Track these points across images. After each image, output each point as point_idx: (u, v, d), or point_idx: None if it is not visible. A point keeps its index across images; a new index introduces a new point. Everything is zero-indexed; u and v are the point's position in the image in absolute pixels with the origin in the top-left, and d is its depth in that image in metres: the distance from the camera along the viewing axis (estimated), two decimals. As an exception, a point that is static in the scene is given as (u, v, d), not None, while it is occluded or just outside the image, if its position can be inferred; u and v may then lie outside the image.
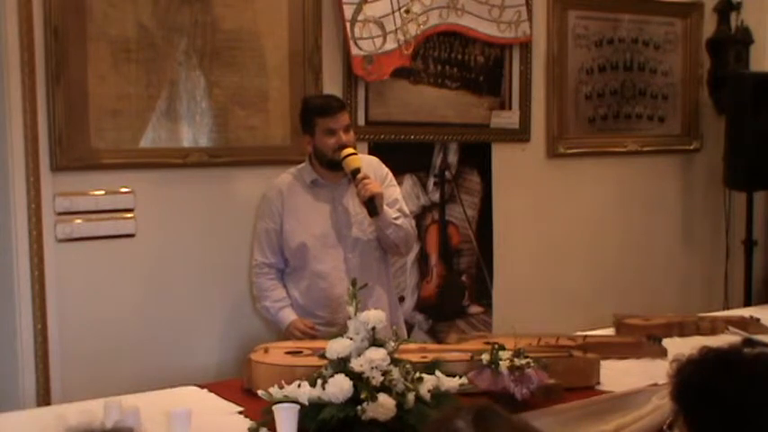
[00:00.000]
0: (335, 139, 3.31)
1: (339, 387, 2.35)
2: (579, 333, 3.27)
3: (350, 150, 3.31)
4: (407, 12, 4.00)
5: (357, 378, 2.37)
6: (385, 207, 3.33)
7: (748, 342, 3.21)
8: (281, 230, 3.42)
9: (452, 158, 4.28)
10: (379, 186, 3.31)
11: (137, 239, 3.53)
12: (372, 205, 3.26)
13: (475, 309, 4.39)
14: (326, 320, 3.36)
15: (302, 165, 3.48)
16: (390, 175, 3.51)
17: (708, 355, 1.60)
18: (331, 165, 3.35)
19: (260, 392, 2.47)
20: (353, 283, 2.52)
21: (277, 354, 2.84)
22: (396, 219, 3.37)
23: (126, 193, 3.51)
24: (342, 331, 2.55)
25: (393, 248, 3.47)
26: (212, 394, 2.81)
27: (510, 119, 4.42)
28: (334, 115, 3.33)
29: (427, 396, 2.45)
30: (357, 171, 3.28)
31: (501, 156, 4.42)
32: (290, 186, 3.45)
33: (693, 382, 1.58)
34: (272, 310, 3.42)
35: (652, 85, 4.92)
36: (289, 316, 3.38)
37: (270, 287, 3.44)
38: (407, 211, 3.50)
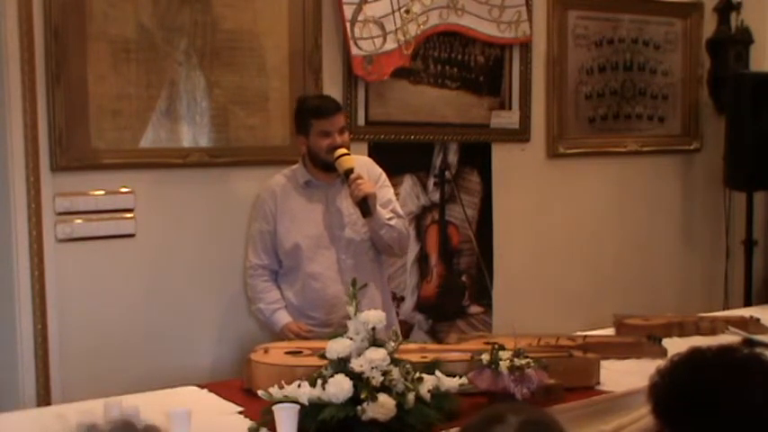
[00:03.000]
0: (330, 140, 3.31)
1: (339, 387, 2.35)
2: (579, 333, 3.27)
3: (343, 151, 3.30)
4: (407, 12, 4.00)
5: (357, 378, 2.37)
6: (378, 207, 3.31)
7: (748, 342, 3.22)
8: (275, 232, 3.41)
9: (452, 158, 4.28)
10: (372, 187, 3.30)
11: (137, 239, 3.53)
12: (365, 206, 3.26)
13: (475, 309, 4.39)
14: (320, 321, 3.35)
15: (296, 166, 3.47)
16: (384, 175, 3.50)
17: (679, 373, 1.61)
18: (325, 165, 3.35)
19: (260, 392, 2.47)
20: (353, 283, 2.53)
21: (277, 354, 2.84)
22: (389, 219, 3.36)
23: (126, 193, 3.51)
24: (339, 331, 2.56)
25: (386, 249, 3.46)
26: (212, 394, 2.81)
27: (510, 119, 4.42)
28: (329, 117, 3.33)
29: (427, 396, 2.45)
30: (350, 171, 3.27)
31: (501, 156, 4.42)
32: (283, 188, 3.44)
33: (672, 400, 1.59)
34: (267, 312, 3.41)
35: (652, 85, 4.92)
36: (282, 318, 3.38)
37: (264, 289, 3.43)
38: (401, 212, 3.49)
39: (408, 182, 4.15)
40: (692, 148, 5.09)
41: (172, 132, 3.57)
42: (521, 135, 4.47)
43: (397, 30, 3.97)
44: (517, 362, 2.53)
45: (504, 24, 4.28)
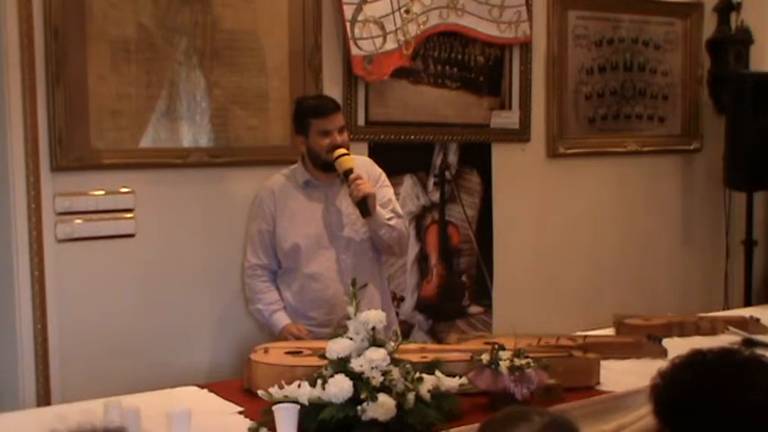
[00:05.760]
0: (330, 139, 3.30)
1: (339, 387, 2.35)
2: (579, 333, 3.27)
3: (342, 151, 3.29)
4: (407, 12, 4.00)
5: (357, 378, 2.37)
6: (378, 207, 3.31)
7: (748, 342, 3.22)
8: (274, 232, 3.40)
9: (452, 158, 4.28)
10: (371, 187, 3.29)
11: (136, 239, 3.53)
12: (365, 206, 3.25)
13: (475, 309, 4.39)
14: (319, 322, 3.34)
15: (295, 165, 3.46)
16: (384, 175, 3.50)
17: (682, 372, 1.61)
18: (324, 165, 3.34)
19: (260, 392, 2.47)
20: (353, 282, 2.53)
21: (277, 354, 2.84)
22: (389, 219, 3.35)
23: (126, 193, 3.51)
24: (339, 331, 2.56)
25: (386, 249, 3.46)
26: (212, 394, 2.81)
27: (510, 119, 4.42)
28: (328, 116, 3.32)
29: (427, 396, 2.45)
30: (350, 171, 3.27)
31: (501, 156, 4.42)
32: (282, 187, 3.43)
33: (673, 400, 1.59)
34: (266, 313, 3.40)
35: (652, 85, 4.92)
36: (282, 320, 3.36)
37: (263, 290, 3.42)
38: (401, 212, 3.49)
39: (408, 182, 4.15)
40: (691, 148, 5.09)
41: (172, 132, 3.57)
42: (521, 135, 4.47)
43: (397, 30, 3.97)
44: (517, 362, 2.53)
45: (504, 24, 4.28)
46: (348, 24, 3.86)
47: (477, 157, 4.36)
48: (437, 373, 2.56)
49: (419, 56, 4.12)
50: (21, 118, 3.26)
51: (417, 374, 2.47)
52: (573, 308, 4.56)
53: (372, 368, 2.37)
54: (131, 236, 3.52)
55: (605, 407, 2.66)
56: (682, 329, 3.44)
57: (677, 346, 2.94)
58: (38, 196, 3.31)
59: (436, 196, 4.25)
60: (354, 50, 3.88)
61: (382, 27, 3.94)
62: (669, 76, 4.97)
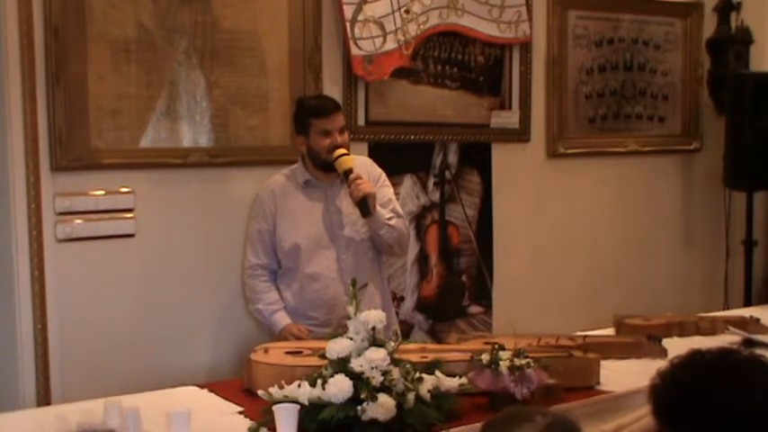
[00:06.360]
0: (330, 140, 3.31)
1: (339, 387, 2.35)
2: (579, 333, 3.27)
3: (342, 151, 3.30)
4: (407, 12, 4.00)
5: (357, 378, 2.37)
6: (378, 207, 3.31)
7: (748, 342, 3.22)
8: (275, 232, 3.41)
9: (452, 158, 4.28)
10: (371, 187, 3.30)
11: (136, 239, 3.53)
12: (365, 205, 3.26)
13: (475, 309, 4.39)
14: (320, 322, 3.35)
15: (295, 165, 3.47)
16: (384, 175, 3.50)
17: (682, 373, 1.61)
18: (324, 165, 3.35)
19: (260, 392, 2.47)
20: (353, 282, 2.53)
21: (277, 354, 2.84)
22: (389, 219, 3.36)
23: (126, 193, 3.51)
24: (339, 331, 2.56)
25: (387, 249, 3.46)
26: (212, 394, 2.81)
27: (510, 119, 4.42)
28: (329, 116, 3.33)
29: (427, 396, 2.45)
30: (349, 171, 3.27)
31: (501, 156, 4.42)
32: (282, 187, 3.44)
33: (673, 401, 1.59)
34: (266, 313, 3.40)
35: (652, 85, 4.92)
36: (282, 320, 3.37)
37: (263, 290, 3.42)
38: (401, 212, 3.49)
39: (408, 182, 4.15)
40: (691, 148, 5.09)
41: (172, 132, 3.57)
42: (521, 135, 4.47)
43: (397, 30, 3.97)
44: (517, 362, 2.53)
45: (504, 24, 4.28)
46: (348, 24, 3.86)
47: (477, 157, 4.36)
48: (437, 373, 2.56)
49: (419, 56, 4.12)
50: (21, 118, 3.26)
51: (417, 374, 2.47)
52: (573, 308, 4.56)
53: (372, 368, 2.37)
54: (131, 236, 3.52)
55: (605, 407, 2.66)
56: (682, 329, 3.44)
57: (677, 346, 2.94)
58: (38, 196, 3.30)
59: (436, 196, 4.25)
60: (354, 50, 3.88)
61: (382, 27, 3.94)
62: (669, 76, 4.97)
